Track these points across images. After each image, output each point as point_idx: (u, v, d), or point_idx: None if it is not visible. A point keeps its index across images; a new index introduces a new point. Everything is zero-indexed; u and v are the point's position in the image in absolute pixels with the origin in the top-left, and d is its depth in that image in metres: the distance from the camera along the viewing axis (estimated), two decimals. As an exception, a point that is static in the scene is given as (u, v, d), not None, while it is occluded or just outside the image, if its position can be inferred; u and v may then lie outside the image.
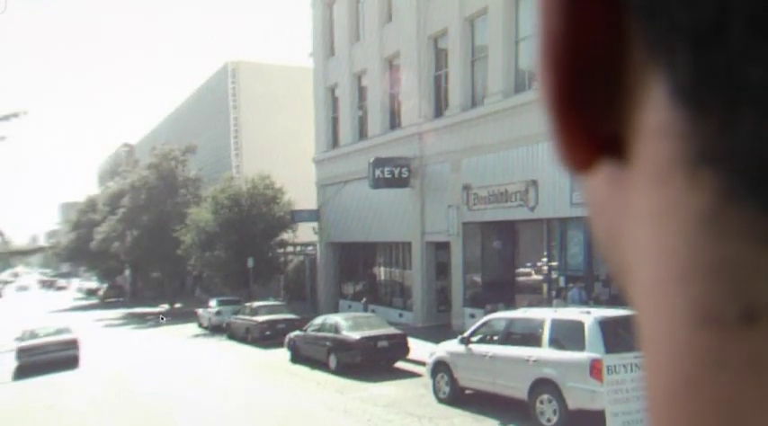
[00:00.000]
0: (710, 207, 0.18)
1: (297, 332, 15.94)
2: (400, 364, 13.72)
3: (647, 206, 0.20)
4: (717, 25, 0.17)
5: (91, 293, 53.30)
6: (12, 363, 17.05)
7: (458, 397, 10.41)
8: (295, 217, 25.62)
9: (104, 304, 43.09)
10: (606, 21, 0.19)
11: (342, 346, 13.53)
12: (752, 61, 0.16)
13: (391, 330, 14.07)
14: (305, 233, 25.95)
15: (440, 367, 10.81)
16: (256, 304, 20.77)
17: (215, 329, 22.85)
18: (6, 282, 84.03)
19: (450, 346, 10.79)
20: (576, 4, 0.20)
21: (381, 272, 23.00)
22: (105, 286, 49.60)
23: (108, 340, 22.83)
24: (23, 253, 58.44)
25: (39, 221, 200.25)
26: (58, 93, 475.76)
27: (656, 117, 0.19)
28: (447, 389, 10.60)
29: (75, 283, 70.72)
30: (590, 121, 0.21)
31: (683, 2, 0.17)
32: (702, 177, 0.18)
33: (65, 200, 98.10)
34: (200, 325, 24.80)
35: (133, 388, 13.87)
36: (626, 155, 0.21)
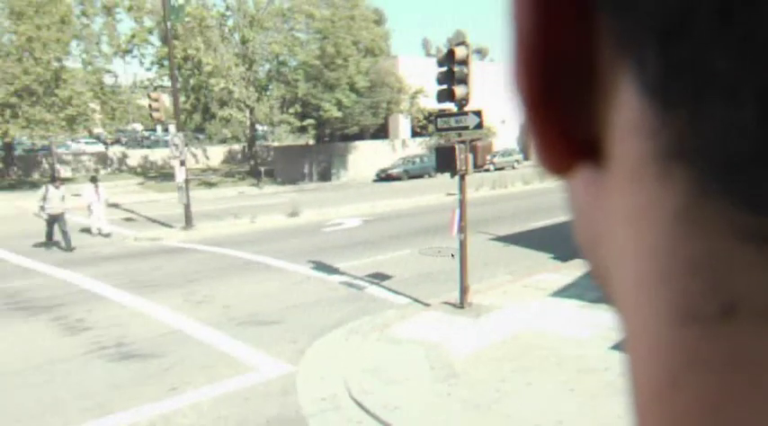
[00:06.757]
0: (684, 203, 0.17)
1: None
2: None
3: (623, 207, 0.20)
4: (683, 17, 0.16)
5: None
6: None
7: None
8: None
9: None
10: (576, 18, 0.19)
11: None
12: (718, 52, 0.16)
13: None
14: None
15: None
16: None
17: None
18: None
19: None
20: (544, 2, 0.19)
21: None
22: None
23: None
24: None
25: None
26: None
27: (626, 115, 0.19)
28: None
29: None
30: (566, 124, 0.21)
31: None
32: (674, 174, 0.17)
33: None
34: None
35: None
36: (603, 157, 0.21)
